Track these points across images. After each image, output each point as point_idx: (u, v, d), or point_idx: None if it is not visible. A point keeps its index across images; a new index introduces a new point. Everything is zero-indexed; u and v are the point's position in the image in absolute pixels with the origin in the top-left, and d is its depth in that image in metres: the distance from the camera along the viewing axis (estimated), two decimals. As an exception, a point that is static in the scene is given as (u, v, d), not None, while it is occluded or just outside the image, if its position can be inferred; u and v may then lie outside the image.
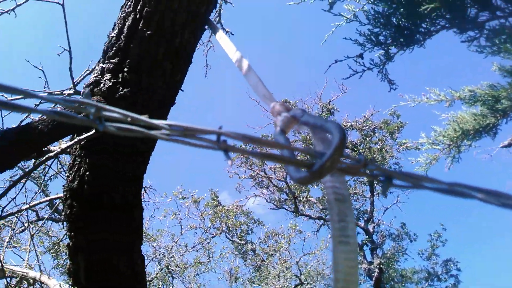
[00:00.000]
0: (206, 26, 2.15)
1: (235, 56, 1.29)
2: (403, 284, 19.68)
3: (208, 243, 16.74)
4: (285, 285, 15.24)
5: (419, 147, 16.13)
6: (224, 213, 17.78)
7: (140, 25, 1.89)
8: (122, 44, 1.88)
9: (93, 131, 1.84)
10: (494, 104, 3.30)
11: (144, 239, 9.14)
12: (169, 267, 13.06)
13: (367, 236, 16.27)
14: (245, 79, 1.09)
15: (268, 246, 17.03)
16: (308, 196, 18.69)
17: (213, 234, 17.42)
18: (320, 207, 18.61)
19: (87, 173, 1.85)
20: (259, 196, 18.00)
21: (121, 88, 1.81)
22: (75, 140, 1.85)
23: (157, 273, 12.94)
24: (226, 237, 18.07)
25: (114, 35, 2.00)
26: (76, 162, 1.94)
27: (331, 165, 0.53)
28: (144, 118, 0.52)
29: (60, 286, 4.62)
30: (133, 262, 1.89)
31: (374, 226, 17.51)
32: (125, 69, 1.84)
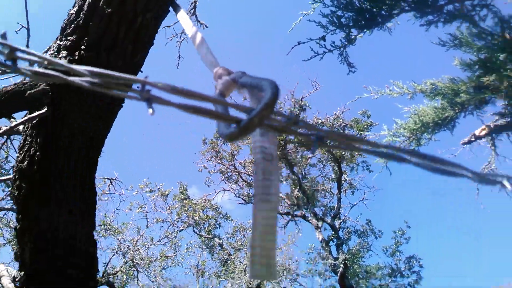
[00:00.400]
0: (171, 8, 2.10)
1: (191, 31, 1.26)
2: (367, 280, 20.09)
3: (175, 237, 16.61)
4: (251, 280, 15.27)
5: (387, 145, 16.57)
6: (191, 206, 17.67)
7: (101, 2, 1.83)
8: (81, 21, 1.81)
9: (45, 109, 1.77)
10: (454, 98, 3.37)
11: (108, 231, 8.98)
12: (134, 260, 12.88)
13: (333, 232, 16.49)
14: (198, 51, 1.06)
15: (235, 241, 17.03)
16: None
17: (180, 228, 17.28)
18: (289, 202, 18.75)
19: (37, 153, 1.78)
20: (228, 190, 17.97)
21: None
22: (26, 118, 1.78)
23: (121, 266, 12.73)
24: (194, 231, 17.98)
25: (74, 12, 1.93)
26: (27, 142, 1.86)
27: (259, 121, 0.51)
28: (64, 62, 0.49)
29: (7, 270, 4.47)
30: (83, 243, 1.83)
31: (340, 223, 17.77)
32: (83, 47, 1.77)
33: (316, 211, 19.01)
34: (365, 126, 15.50)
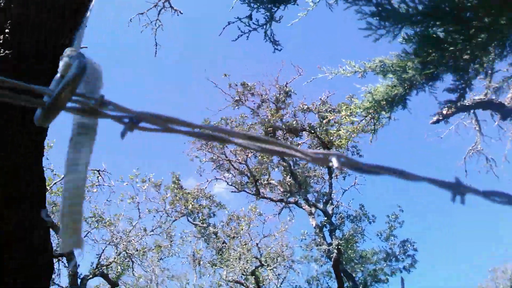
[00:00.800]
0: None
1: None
2: (362, 265, 20.22)
3: (169, 226, 16.66)
4: (246, 267, 15.38)
5: (376, 129, 16.41)
6: (183, 196, 17.71)
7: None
8: (2, 3, 1.78)
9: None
10: (402, 74, 3.34)
11: (100, 223, 8.98)
12: (127, 251, 12.92)
13: (325, 218, 16.55)
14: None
15: (230, 229, 17.10)
16: (269, 179, 18.84)
17: (174, 218, 17.34)
18: (281, 190, 18.80)
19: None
20: (220, 179, 18.00)
21: (1, 50, 1.72)
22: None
23: (115, 258, 12.78)
24: (188, 220, 18.03)
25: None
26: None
27: (60, 103, 0.50)
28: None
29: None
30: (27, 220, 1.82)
31: (333, 208, 17.84)
32: (6, 30, 1.74)
33: (309, 197, 19.09)
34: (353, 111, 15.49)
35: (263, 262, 15.81)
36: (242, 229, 16.30)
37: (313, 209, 17.60)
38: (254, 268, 15.53)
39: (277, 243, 16.30)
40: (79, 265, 11.41)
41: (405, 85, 3.39)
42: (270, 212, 19.67)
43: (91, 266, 12.15)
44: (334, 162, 0.56)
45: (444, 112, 6.17)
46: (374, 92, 3.77)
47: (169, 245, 15.43)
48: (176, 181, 18.82)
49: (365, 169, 0.59)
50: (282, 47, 4.13)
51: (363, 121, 4.58)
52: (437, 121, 6.25)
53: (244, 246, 15.70)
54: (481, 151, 13.26)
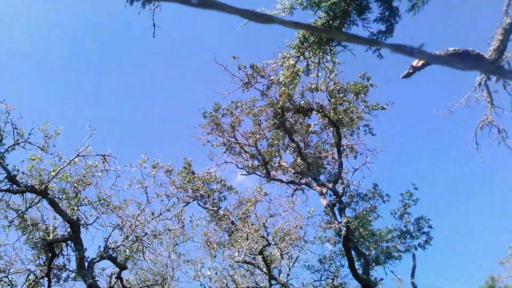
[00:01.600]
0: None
1: None
2: (377, 243, 20.05)
3: (181, 211, 16.83)
4: (254, 247, 15.44)
5: (384, 107, 16.06)
6: (195, 181, 17.82)
7: None
8: None
9: None
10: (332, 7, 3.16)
11: (107, 208, 9.08)
12: (136, 235, 13.12)
13: (335, 197, 16.44)
14: None
15: (242, 212, 17.15)
16: (281, 161, 18.79)
17: (185, 202, 17.49)
18: (293, 171, 18.73)
19: None
20: (230, 162, 18.04)
21: None
22: None
23: (123, 241, 12.99)
24: (198, 204, 18.17)
25: None
26: None
27: None
28: None
29: None
30: None
31: (344, 187, 17.70)
32: None
33: (321, 178, 18.99)
34: (360, 89, 15.21)
35: (270, 241, 15.83)
36: (247, 210, 16.31)
37: (324, 189, 17.50)
38: (261, 247, 15.57)
39: (284, 222, 16.27)
40: (86, 249, 11.68)
41: (333, 15, 3.25)
42: (284, 194, 19.57)
43: (99, 249, 12.41)
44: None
45: (415, 64, 5.96)
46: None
47: (179, 229, 15.56)
48: (188, 166, 18.96)
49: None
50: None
51: (298, 62, 4.50)
52: (408, 75, 6.03)
53: (252, 227, 15.74)
54: (493, 123, 12.87)
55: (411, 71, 5.99)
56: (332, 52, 5.56)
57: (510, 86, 12.33)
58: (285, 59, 5.57)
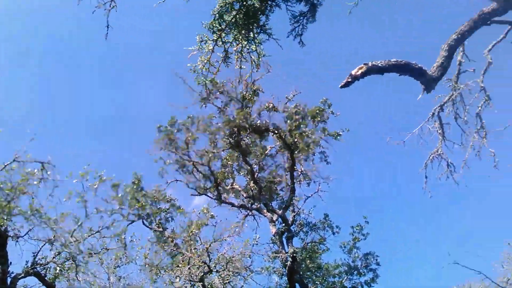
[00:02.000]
0: None
1: None
2: (324, 279, 19.61)
3: (124, 229, 15.84)
4: (195, 273, 14.59)
5: (340, 133, 15.93)
6: (140, 198, 16.91)
7: None
8: None
9: None
10: None
11: (39, 220, 8.14)
12: (70, 252, 12.04)
13: (283, 225, 15.99)
14: None
15: (188, 234, 16.25)
16: (234, 184, 18.22)
17: (129, 220, 16.50)
18: (245, 195, 18.18)
19: None
20: (180, 181, 17.27)
21: None
22: None
23: (53, 257, 11.89)
24: (143, 223, 17.18)
25: None
26: None
27: None
28: None
29: None
30: None
31: (294, 216, 17.31)
32: None
33: (273, 204, 18.54)
34: (317, 112, 15.14)
35: (212, 268, 15.03)
36: (191, 232, 15.51)
37: (274, 216, 17.04)
38: (202, 274, 14.72)
39: (229, 248, 15.53)
40: (11, 263, 10.57)
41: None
42: (235, 219, 18.88)
43: (26, 264, 11.28)
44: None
45: (354, 72, 5.75)
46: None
47: (120, 249, 14.54)
48: (137, 182, 17.95)
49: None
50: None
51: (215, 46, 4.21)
52: (347, 84, 5.79)
53: (194, 251, 14.92)
54: (442, 156, 12.90)
55: (349, 80, 5.76)
56: (256, 40, 5.25)
57: (461, 118, 12.50)
58: (203, 42, 5.21)
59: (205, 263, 14.97)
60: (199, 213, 16.50)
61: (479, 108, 12.18)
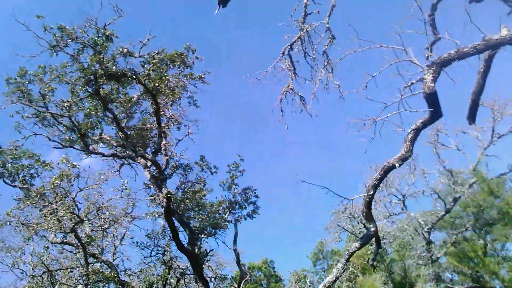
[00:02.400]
0: None
1: None
2: (208, 216, 20.27)
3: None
4: (66, 225, 14.33)
5: (202, 76, 16.03)
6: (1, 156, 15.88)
7: None
8: None
9: None
10: None
11: None
12: None
13: (154, 168, 16.10)
14: None
15: (50, 187, 15.69)
16: (101, 134, 17.73)
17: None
18: (115, 144, 17.84)
19: None
20: (40, 134, 16.39)
21: None
22: None
23: None
24: (5, 182, 16.23)
25: None
26: None
27: None
28: None
29: None
30: None
31: (167, 159, 17.43)
32: None
33: (148, 151, 18.47)
34: (175, 56, 14.99)
35: (82, 218, 14.82)
36: (53, 184, 15.04)
37: (149, 163, 17.00)
38: (73, 225, 14.48)
39: (99, 197, 15.35)
40: None
41: None
42: (112, 169, 18.51)
43: None
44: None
45: None
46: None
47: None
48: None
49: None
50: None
51: None
52: None
53: (59, 202, 14.54)
54: (294, 90, 13.65)
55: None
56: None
57: (309, 56, 13.24)
58: None
59: (73, 213, 14.66)
60: (57, 163, 15.91)
61: (325, 46, 12.96)
